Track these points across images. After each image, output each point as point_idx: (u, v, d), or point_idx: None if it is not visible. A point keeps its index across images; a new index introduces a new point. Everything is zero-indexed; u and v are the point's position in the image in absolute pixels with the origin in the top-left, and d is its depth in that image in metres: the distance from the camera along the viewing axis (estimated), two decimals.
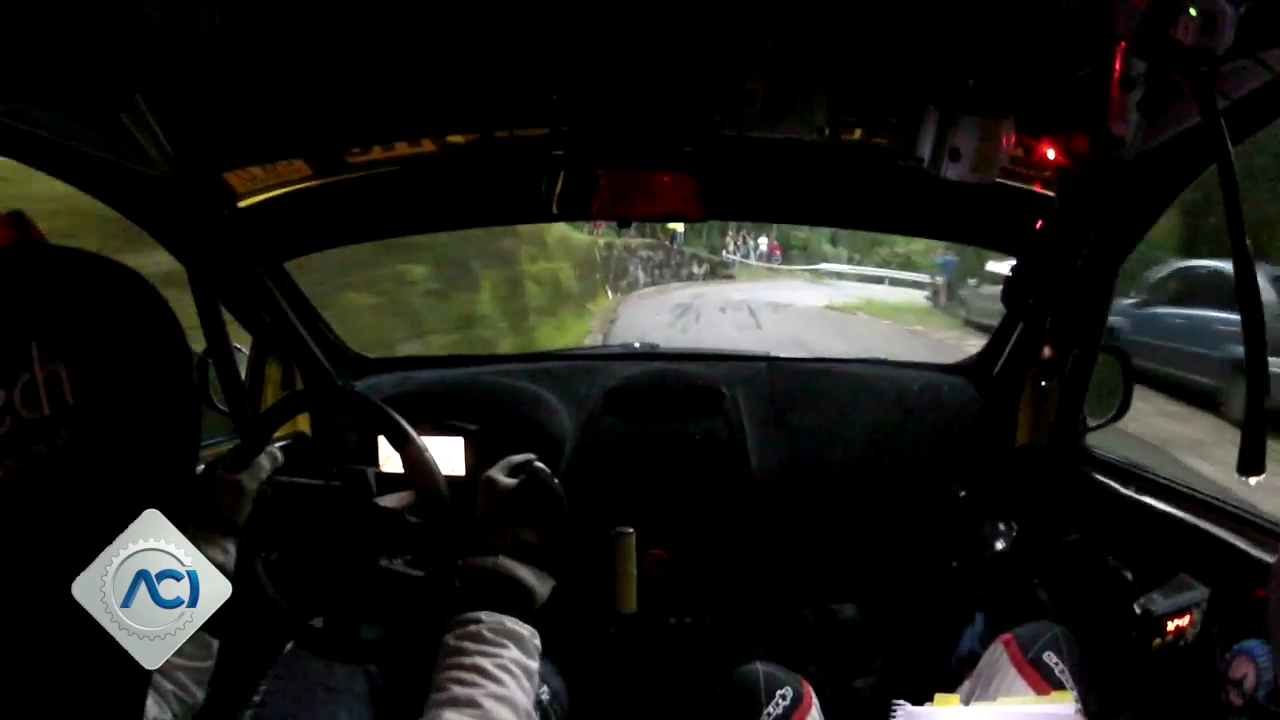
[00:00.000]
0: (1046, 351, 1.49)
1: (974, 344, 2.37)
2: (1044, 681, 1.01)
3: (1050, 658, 1.03)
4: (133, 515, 0.46)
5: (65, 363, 0.42)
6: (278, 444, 1.03)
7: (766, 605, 1.61)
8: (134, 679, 0.48)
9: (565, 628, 1.53)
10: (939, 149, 1.03)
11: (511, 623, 0.77)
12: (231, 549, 0.94)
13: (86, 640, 0.44)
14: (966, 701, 1.07)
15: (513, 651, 0.75)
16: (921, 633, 1.55)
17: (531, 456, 0.91)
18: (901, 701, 1.01)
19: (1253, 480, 0.73)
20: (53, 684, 0.44)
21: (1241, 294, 0.74)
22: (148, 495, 0.47)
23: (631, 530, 1.44)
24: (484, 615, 0.77)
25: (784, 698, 0.97)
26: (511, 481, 0.87)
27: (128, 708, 0.49)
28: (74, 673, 0.46)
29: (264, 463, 0.98)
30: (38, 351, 0.41)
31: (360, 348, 1.78)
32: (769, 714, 0.96)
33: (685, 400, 1.61)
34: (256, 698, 1.01)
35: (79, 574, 0.44)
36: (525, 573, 0.81)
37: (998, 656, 1.07)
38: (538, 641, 0.79)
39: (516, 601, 0.80)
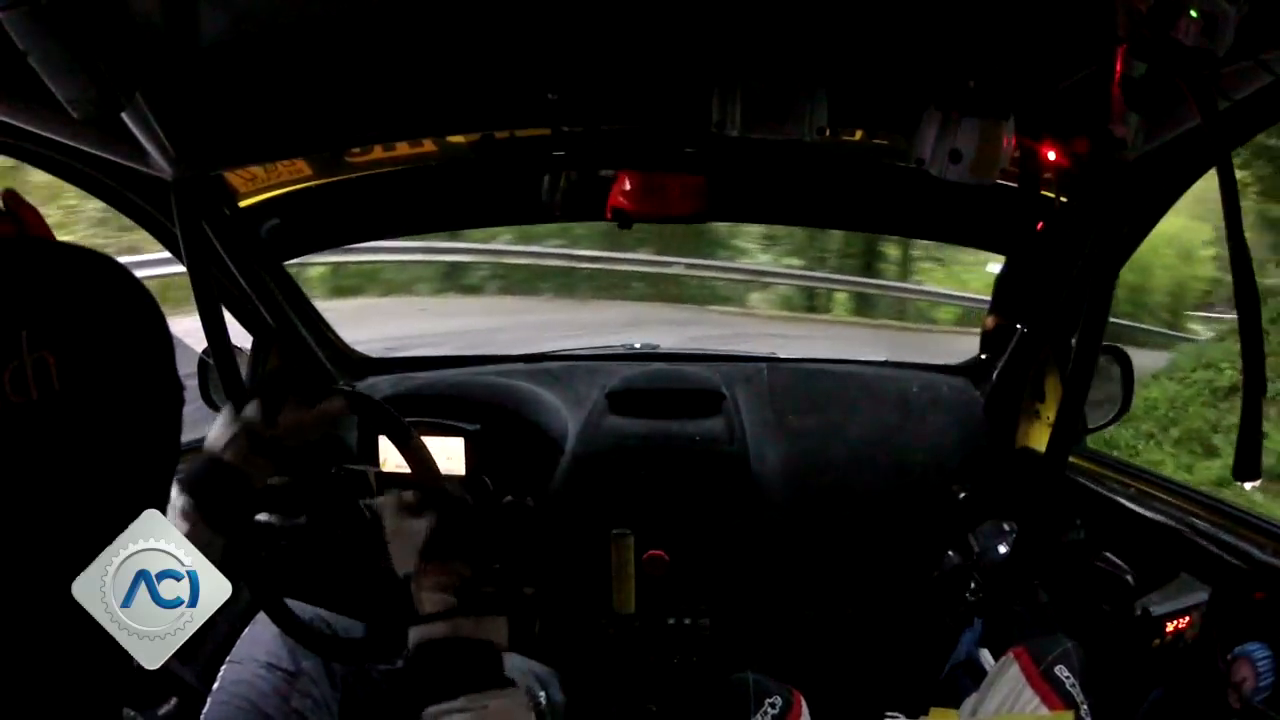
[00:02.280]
0: (1046, 352, 1.50)
1: None
2: (1055, 695, 1.00)
3: (1062, 671, 1.02)
4: (117, 499, 0.47)
5: (53, 350, 0.44)
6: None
7: (765, 606, 1.61)
8: (117, 666, 0.48)
9: (563, 629, 1.53)
10: (939, 151, 1.02)
11: (495, 701, 0.68)
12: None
13: (75, 620, 0.45)
14: (973, 713, 1.06)
15: None
16: (921, 635, 1.55)
17: (399, 497, 0.80)
18: (897, 714, 1.01)
19: (1248, 485, 0.73)
20: (37, 662, 0.45)
21: (1240, 297, 0.73)
22: (132, 479, 0.49)
23: (629, 532, 1.44)
24: (463, 701, 0.67)
25: (773, 706, 0.97)
26: (421, 524, 0.76)
27: (110, 694, 0.50)
28: (59, 652, 0.47)
29: (339, 404, 0.88)
30: (27, 340, 0.43)
31: None
32: None
33: (685, 400, 1.61)
34: (216, 684, 1.01)
35: (62, 554, 0.45)
36: (479, 625, 0.71)
37: (1009, 668, 1.06)
38: (524, 699, 0.71)
39: (489, 667, 0.70)
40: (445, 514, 0.80)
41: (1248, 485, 0.83)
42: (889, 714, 1.01)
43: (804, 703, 1.00)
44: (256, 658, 1.03)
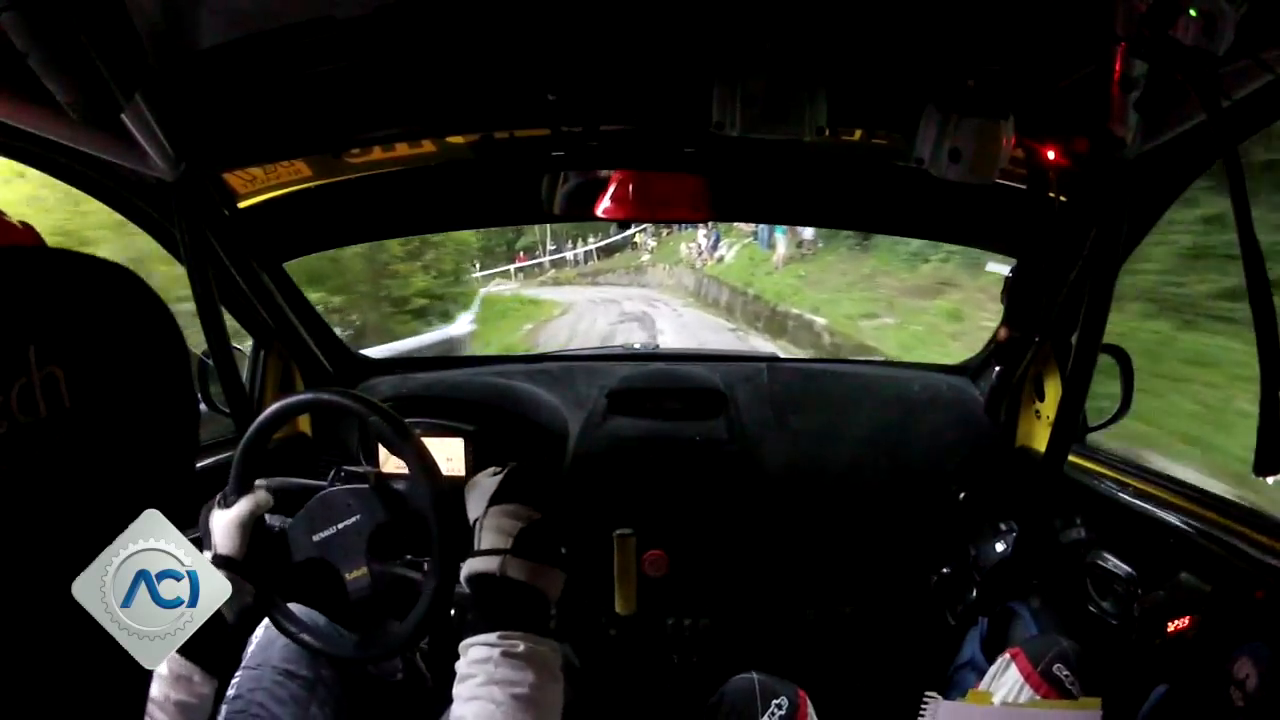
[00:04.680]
0: (1046, 351, 1.49)
1: None
2: (1056, 694, 1.01)
3: (1060, 670, 1.02)
4: (131, 517, 0.46)
5: (62, 366, 0.41)
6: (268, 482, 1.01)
7: (766, 606, 1.61)
8: (134, 681, 0.48)
9: (564, 628, 1.53)
10: (939, 150, 1.02)
11: (524, 644, 0.70)
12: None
13: (86, 643, 0.44)
14: None
15: (530, 675, 0.68)
16: (921, 634, 1.55)
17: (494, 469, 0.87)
18: (934, 694, 1.01)
19: (1270, 480, 0.72)
20: (52, 687, 0.44)
21: (1252, 291, 0.73)
22: (145, 497, 0.47)
23: (631, 532, 1.44)
24: (494, 635, 0.70)
25: (779, 707, 0.96)
26: (495, 478, 0.83)
27: (127, 710, 0.49)
28: (73, 675, 0.46)
29: (261, 498, 0.95)
30: (35, 355, 0.40)
31: None
32: None
33: (686, 401, 1.61)
34: (231, 691, 1.00)
35: (74, 577, 0.44)
36: (537, 575, 0.74)
37: (1006, 668, 1.06)
38: (559, 655, 0.72)
39: (531, 611, 0.72)
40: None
41: (1270, 479, 0.83)
42: (927, 694, 1.00)
43: (809, 703, 0.99)
44: (274, 665, 1.02)
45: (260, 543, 0.94)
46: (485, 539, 0.77)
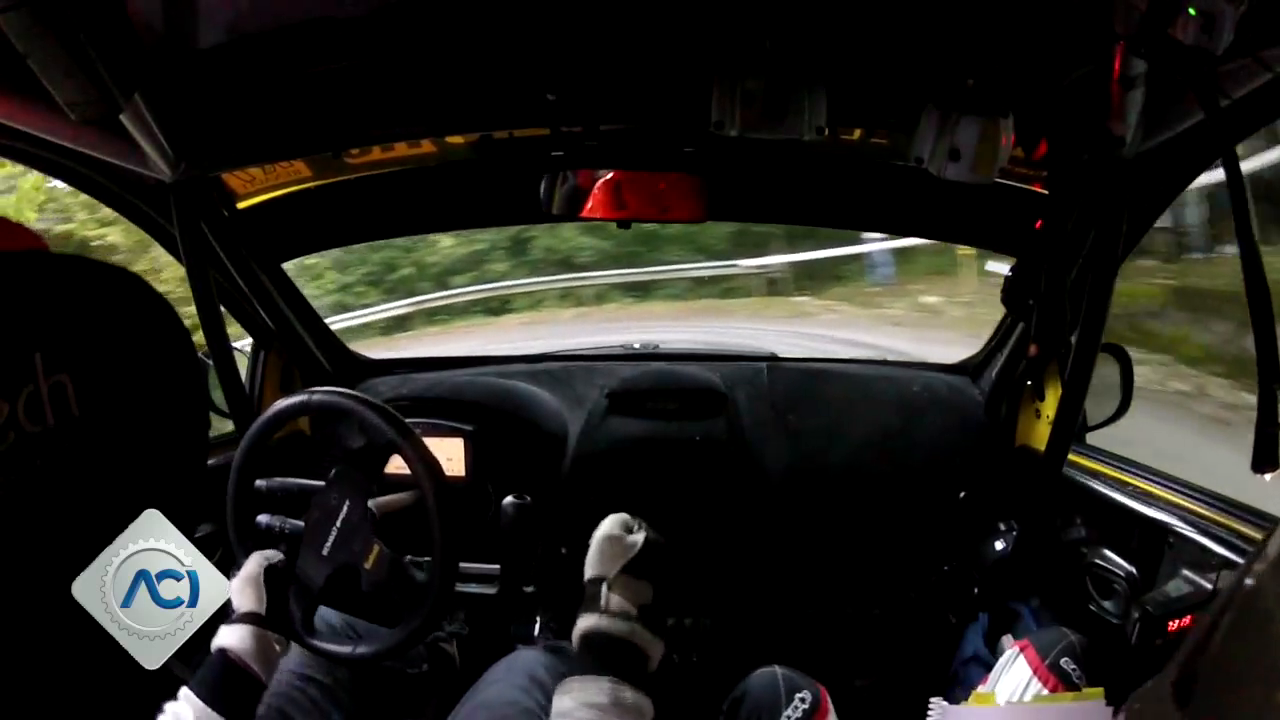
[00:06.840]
0: (1043, 350, 1.49)
1: None
2: (1062, 687, 1.01)
3: (1068, 664, 1.02)
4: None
5: (70, 373, 0.40)
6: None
7: (767, 605, 1.61)
8: (135, 681, 0.47)
9: (564, 629, 1.53)
10: (938, 149, 1.02)
11: (632, 695, 0.75)
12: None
13: (90, 652, 0.44)
14: None
15: None
16: (923, 632, 1.55)
17: (625, 517, 0.87)
18: (939, 699, 1.00)
19: (1268, 477, 0.73)
20: (54, 691, 0.44)
21: (1250, 290, 0.73)
22: (155, 505, 0.46)
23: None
24: (607, 682, 0.75)
25: (803, 701, 0.96)
26: (639, 538, 0.84)
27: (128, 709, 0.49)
28: (75, 682, 0.45)
29: (268, 552, 0.94)
30: (42, 363, 0.39)
31: None
32: (788, 717, 0.95)
33: (686, 401, 1.61)
34: None
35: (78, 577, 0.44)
36: (650, 640, 0.80)
37: (1014, 661, 1.06)
38: (652, 711, 0.78)
39: (637, 669, 0.78)
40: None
41: (1267, 476, 0.84)
42: (932, 700, 1.00)
43: (830, 698, 1.00)
44: (292, 669, 1.02)
45: (277, 588, 0.92)
46: (613, 601, 0.81)
